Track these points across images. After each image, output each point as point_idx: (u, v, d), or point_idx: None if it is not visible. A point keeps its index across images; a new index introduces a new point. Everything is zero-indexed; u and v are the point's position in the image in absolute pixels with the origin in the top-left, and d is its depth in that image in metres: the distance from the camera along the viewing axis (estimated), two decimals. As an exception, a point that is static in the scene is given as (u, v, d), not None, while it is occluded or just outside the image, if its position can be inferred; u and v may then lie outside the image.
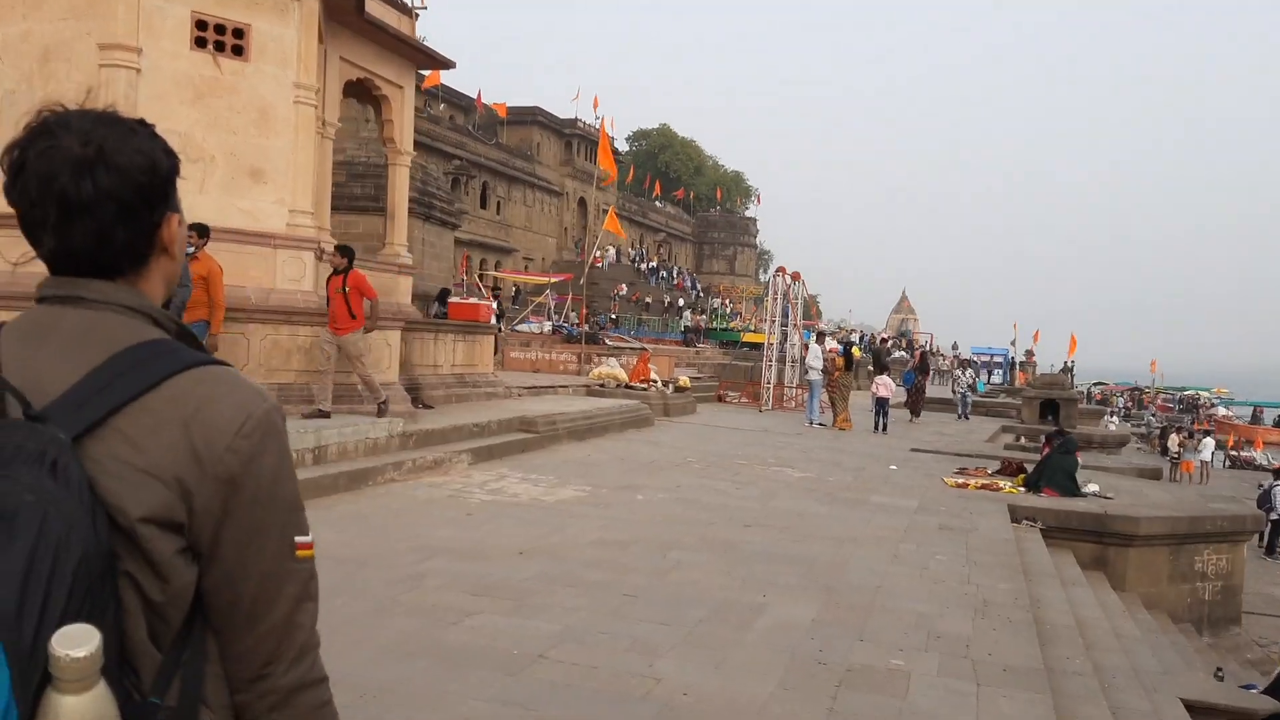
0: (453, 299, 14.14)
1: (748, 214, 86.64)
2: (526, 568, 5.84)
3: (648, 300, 51.09)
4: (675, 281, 60.95)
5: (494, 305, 15.29)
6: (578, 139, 58.91)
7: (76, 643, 0.83)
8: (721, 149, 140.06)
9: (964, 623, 5.34)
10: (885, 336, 46.68)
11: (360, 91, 12.51)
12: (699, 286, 61.36)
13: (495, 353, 14.60)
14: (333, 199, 24.39)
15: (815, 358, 17.22)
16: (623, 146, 79.18)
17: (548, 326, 25.54)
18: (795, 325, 21.53)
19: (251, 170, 9.19)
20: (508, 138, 54.63)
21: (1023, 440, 17.10)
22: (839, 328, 61.69)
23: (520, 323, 27.38)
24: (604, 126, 21.70)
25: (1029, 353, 46.63)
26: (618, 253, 61.81)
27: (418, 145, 44.90)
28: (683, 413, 16.66)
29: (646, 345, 26.35)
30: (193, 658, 0.99)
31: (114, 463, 0.94)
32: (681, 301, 50.31)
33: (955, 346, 55.56)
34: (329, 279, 8.76)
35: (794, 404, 20.13)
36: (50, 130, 0.99)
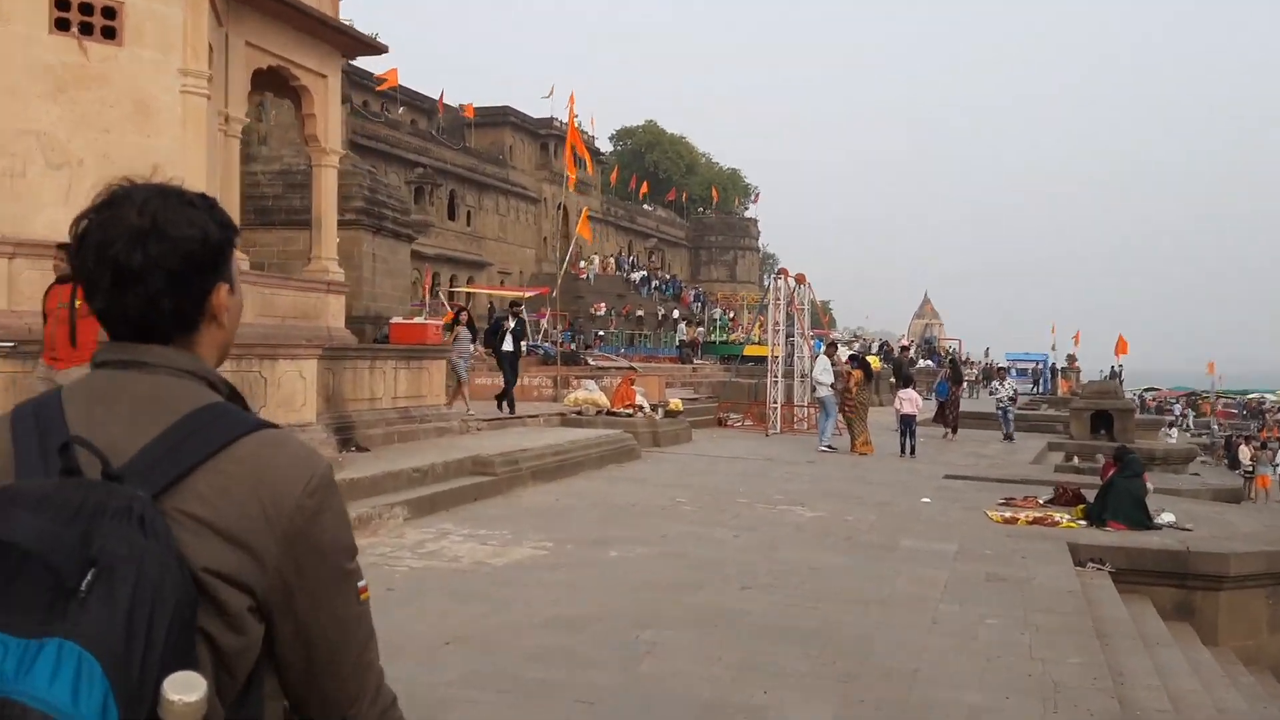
0: (396, 319, 13.34)
1: (747, 214, 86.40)
2: (448, 665, 4.92)
3: (639, 314, 50.45)
4: (679, 294, 60.16)
5: (465, 330, 14.64)
6: (555, 140, 58.41)
7: (189, 688, 0.97)
8: (715, 146, 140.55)
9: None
10: (907, 344, 45.83)
11: (275, 82, 11.77)
12: (703, 297, 60.63)
13: (461, 382, 14.03)
14: (269, 213, 23.76)
15: (825, 371, 16.63)
16: (605, 147, 78.92)
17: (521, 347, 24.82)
18: (804, 335, 20.82)
19: (129, 176, 8.32)
20: (476, 141, 54.15)
21: (1075, 460, 16.29)
22: (854, 336, 61.03)
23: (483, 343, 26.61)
24: (572, 116, 20.93)
25: (1071, 358, 45.96)
26: (615, 262, 61.08)
27: (374, 153, 44.46)
28: (675, 441, 16.23)
29: (635, 365, 25.63)
30: (254, 716, 1.14)
31: (190, 520, 1.09)
32: (676, 314, 49.57)
33: (987, 353, 55.00)
34: (48, 290, 6.57)
35: (806, 426, 19.38)
36: (114, 201, 1.19)
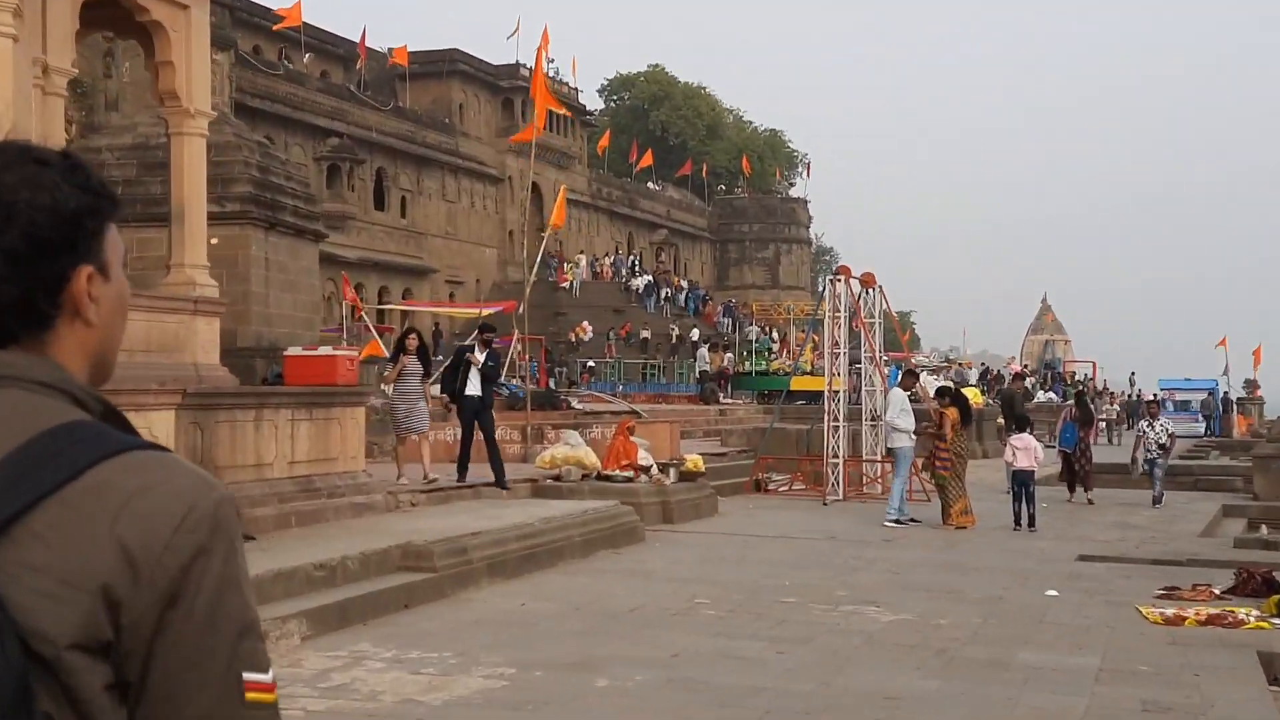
0: (291, 351, 13.26)
1: (793, 193, 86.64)
2: None
3: (644, 335, 50.50)
4: (701, 307, 60.16)
5: (414, 361, 14.62)
6: (523, 95, 58.71)
7: None
8: (747, 99, 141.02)
9: None
10: (1022, 369, 45.62)
11: (117, 19, 11.70)
12: (734, 311, 60.68)
13: (416, 437, 14.38)
14: (124, 202, 23.67)
15: (899, 410, 16.46)
16: (593, 103, 79.47)
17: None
18: (875, 360, 20.66)
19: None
20: (414, 99, 54.63)
21: (1264, 530, 16.02)
22: (946, 360, 60.93)
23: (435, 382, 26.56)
24: (541, 58, 20.89)
25: (1251, 384, 45.81)
26: (611, 264, 61.21)
27: (269, 118, 44.78)
28: (694, 515, 16.18)
29: (636, 407, 25.50)
30: None
31: (27, 572, 1.14)
32: (696, 334, 49.58)
33: (1133, 382, 54.78)
34: None
35: (881, 489, 19.22)
36: None
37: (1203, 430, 42.92)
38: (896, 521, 16.14)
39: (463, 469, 14.91)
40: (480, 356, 14.99)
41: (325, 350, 13.37)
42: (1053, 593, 11.13)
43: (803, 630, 9.33)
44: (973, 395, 34.97)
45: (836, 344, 20.04)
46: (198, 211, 12.13)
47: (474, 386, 14.83)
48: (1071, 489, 20.50)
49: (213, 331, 11.93)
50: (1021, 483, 16.31)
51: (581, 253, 60.94)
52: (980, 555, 13.71)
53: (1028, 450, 16.51)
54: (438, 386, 16.22)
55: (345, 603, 9.13)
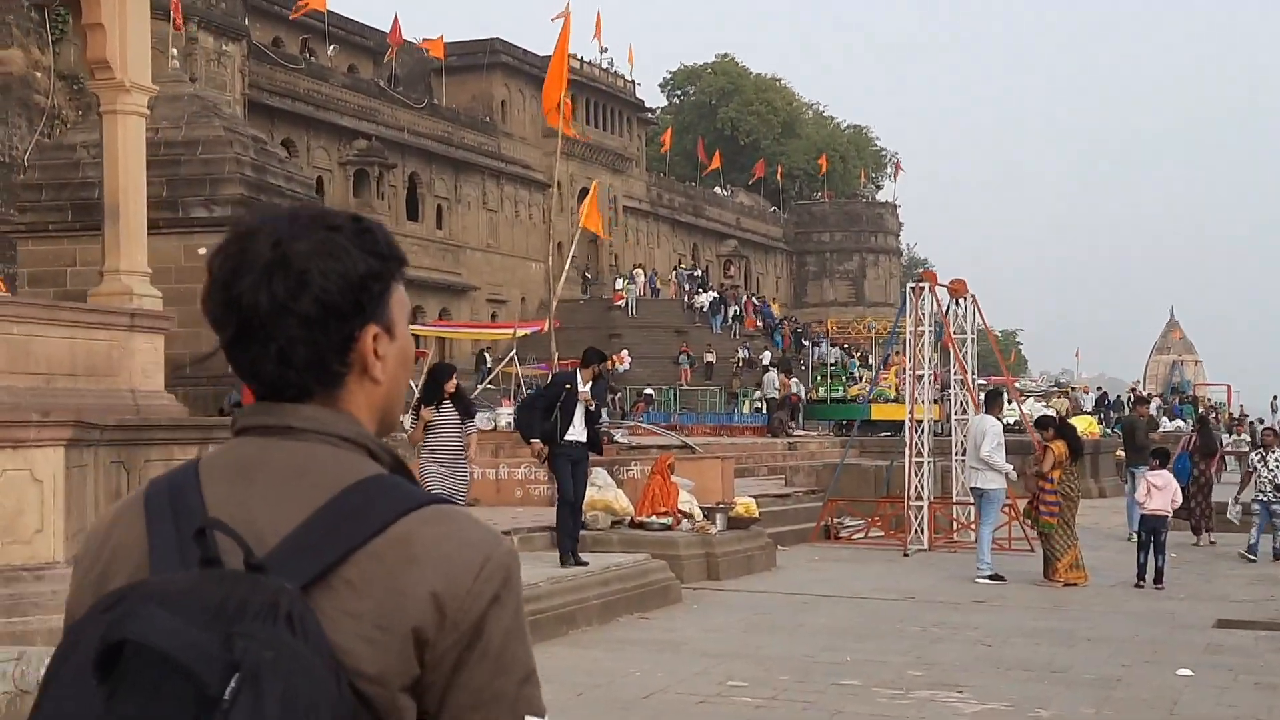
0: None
1: (880, 198, 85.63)
2: None
3: (708, 358, 49.41)
4: (775, 327, 58.70)
5: (450, 408, 12.39)
6: (577, 89, 58.01)
7: None
8: (828, 91, 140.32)
9: None
10: (1147, 393, 43.93)
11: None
12: (807, 333, 59.41)
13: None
14: (92, 210, 23.07)
15: (990, 442, 15.39)
16: (655, 99, 78.83)
17: (502, 418, 23.89)
18: (966, 383, 19.41)
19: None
20: (450, 96, 54.21)
21: None
22: (1057, 384, 59.20)
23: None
24: (566, 34, 19.78)
25: None
26: (675, 278, 60.10)
27: (288, 118, 44.35)
28: (745, 569, 15.35)
29: (692, 440, 24.45)
30: None
31: (345, 618, 1.37)
32: (768, 357, 48.40)
33: (1275, 407, 53.09)
34: None
35: (975, 537, 17.92)
36: (246, 233, 1.49)
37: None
38: (991, 577, 15.03)
39: (572, 544, 12.83)
40: (586, 388, 13.06)
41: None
42: (1185, 672, 10.06)
43: (863, 728, 8.20)
44: (1086, 424, 33.77)
45: (920, 365, 18.95)
46: (136, 207, 11.28)
47: (578, 430, 12.87)
48: (1196, 531, 19.54)
49: (155, 351, 11.03)
50: (1152, 529, 15.08)
51: (639, 266, 60.10)
52: (1094, 620, 12.59)
53: (1166, 490, 15.27)
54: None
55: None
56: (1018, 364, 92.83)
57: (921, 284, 19.55)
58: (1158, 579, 14.80)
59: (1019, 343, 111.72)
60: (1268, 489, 17.83)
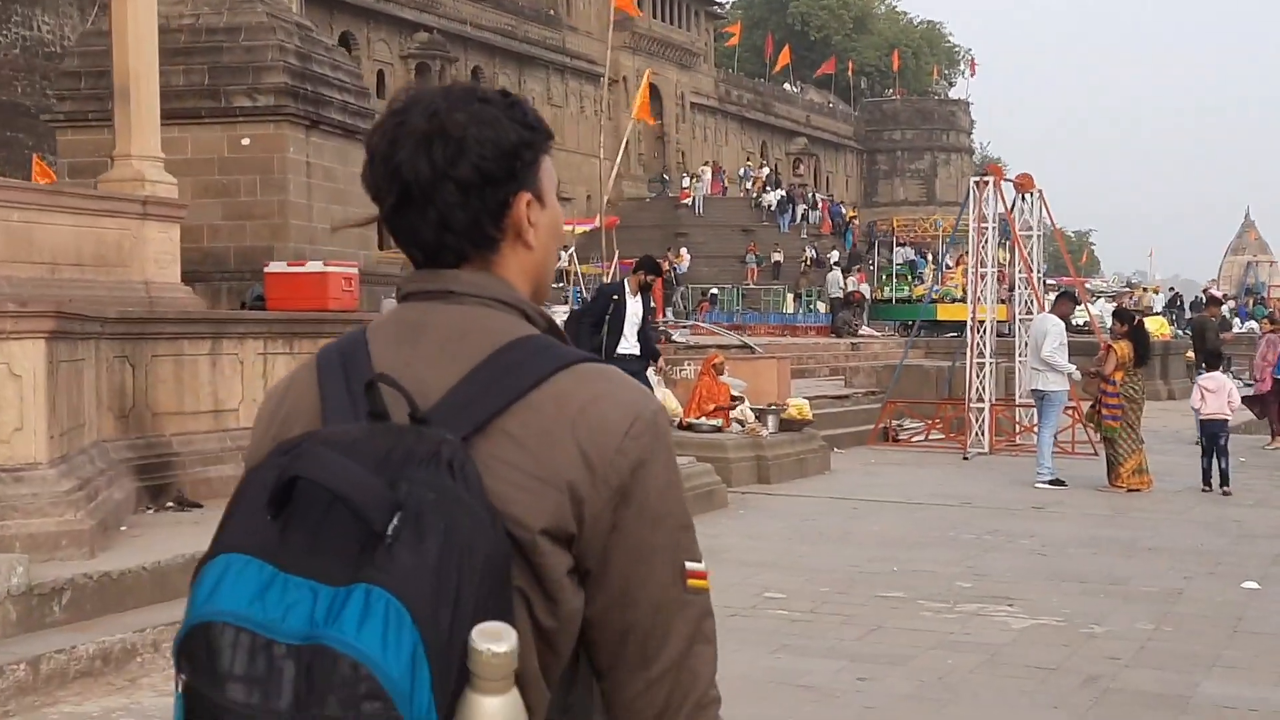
0: (273, 267, 11.99)
1: (953, 95, 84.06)
2: None
3: (775, 257, 48.72)
4: (845, 227, 57.59)
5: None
6: (641, -16, 56.89)
7: (497, 638, 1.32)
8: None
9: None
10: (1221, 294, 42.68)
11: None
12: (877, 233, 58.35)
13: None
14: (101, 95, 22.67)
15: (1052, 343, 14.75)
16: (724, -6, 77.05)
17: (559, 314, 23.53)
18: (1031, 282, 18.68)
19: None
20: (512, -11, 53.06)
21: None
22: (1128, 285, 57.89)
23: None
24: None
25: None
26: (742, 176, 59.14)
27: (347, 10, 43.65)
28: (797, 472, 15.00)
29: (753, 340, 23.97)
30: (581, 701, 1.56)
31: (504, 466, 1.46)
32: (835, 257, 47.60)
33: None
34: None
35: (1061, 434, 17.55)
36: (404, 107, 1.59)
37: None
38: (1052, 482, 14.53)
39: None
40: (633, 300, 12.62)
41: (314, 266, 12.06)
42: (1252, 584, 9.56)
43: (903, 642, 7.79)
44: (1157, 326, 32.94)
45: (982, 262, 18.24)
46: (148, 87, 10.89)
47: (630, 343, 12.46)
48: (1275, 434, 18.92)
49: (169, 241, 10.71)
50: (1212, 434, 14.54)
51: (706, 163, 59.20)
52: (1156, 529, 12.05)
53: (1220, 392, 14.71)
54: None
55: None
56: (1090, 264, 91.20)
57: (986, 178, 18.74)
58: (1224, 482, 14.32)
59: (1092, 243, 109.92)
60: None
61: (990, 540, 11.37)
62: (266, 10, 20.76)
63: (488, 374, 1.49)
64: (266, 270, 12.39)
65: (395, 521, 1.32)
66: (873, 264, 49.30)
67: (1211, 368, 17.70)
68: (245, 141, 19.02)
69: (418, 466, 1.37)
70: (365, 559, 1.31)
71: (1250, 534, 11.80)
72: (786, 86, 72.58)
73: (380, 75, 44.17)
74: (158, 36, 21.29)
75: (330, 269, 12.06)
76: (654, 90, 59.37)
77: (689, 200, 54.42)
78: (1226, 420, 14.69)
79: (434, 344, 1.53)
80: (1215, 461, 14.42)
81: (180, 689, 1.34)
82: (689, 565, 1.52)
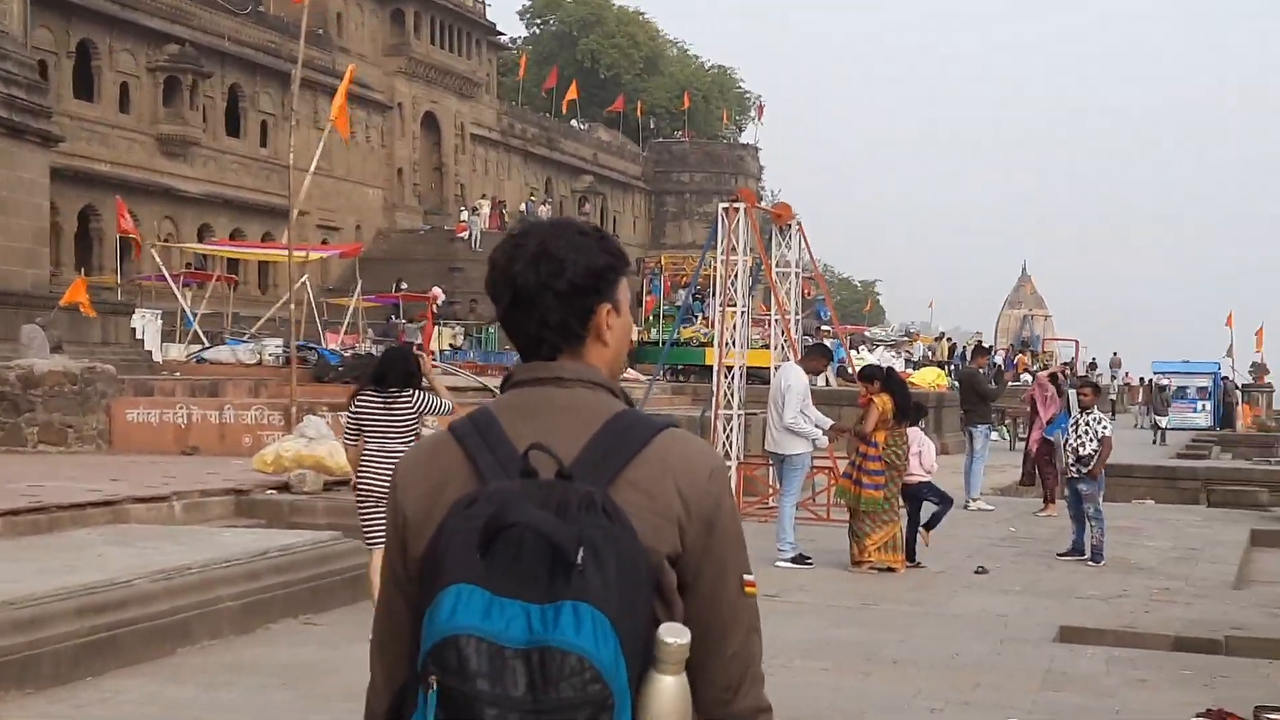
0: None
1: (743, 139, 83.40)
2: None
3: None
4: (632, 269, 55.34)
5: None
6: (416, 6, 54.15)
7: (679, 634, 1.86)
8: (694, 29, 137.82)
9: None
10: (986, 344, 41.97)
11: None
12: (662, 272, 56.33)
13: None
14: None
15: (794, 405, 12.54)
16: (513, 28, 75.20)
17: (268, 350, 20.90)
18: (786, 328, 16.55)
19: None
20: (279, 5, 49.88)
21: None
22: (906, 334, 57.29)
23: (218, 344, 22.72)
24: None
25: (1258, 368, 42.76)
26: (525, 210, 56.58)
27: (87, 15, 39.73)
28: None
29: (489, 381, 21.50)
30: None
31: (633, 507, 1.91)
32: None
33: (1115, 363, 52.17)
34: None
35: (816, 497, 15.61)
36: (521, 234, 2.10)
37: (1205, 422, 40.54)
38: (795, 559, 12.37)
39: None
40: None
41: None
42: None
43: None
44: (934, 377, 31.57)
45: (733, 300, 16.09)
46: None
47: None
48: (1047, 500, 17.16)
49: None
50: (912, 496, 12.79)
51: (484, 196, 56.65)
52: (907, 628, 9.87)
53: (918, 453, 12.81)
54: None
55: None
56: (875, 313, 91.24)
57: (737, 204, 16.47)
58: (929, 525, 13.06)
59: (878, 293, 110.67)
60: (1071, 460, 13.69)
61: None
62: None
63: (606, 439, 1.96)
64: None
65: (582, 552, 1.78)
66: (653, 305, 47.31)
67: (978, 414, 16.05)
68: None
69: (579, 511, 1.82)
70: (560, 582, 1.77)
71: (1016, 637, 9.68)
72: (574, 123, 70.59)
73: (124, 88, 40.54)
74: None
75: None
76: (431, 119, 56.76)
77: (465, 234, 51.76)
78: (928, 485, 13.03)
79: (554, 418, 1.99)
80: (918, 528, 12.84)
81: (432, 687, 1.79)
82: (746, 576, 2.04)
